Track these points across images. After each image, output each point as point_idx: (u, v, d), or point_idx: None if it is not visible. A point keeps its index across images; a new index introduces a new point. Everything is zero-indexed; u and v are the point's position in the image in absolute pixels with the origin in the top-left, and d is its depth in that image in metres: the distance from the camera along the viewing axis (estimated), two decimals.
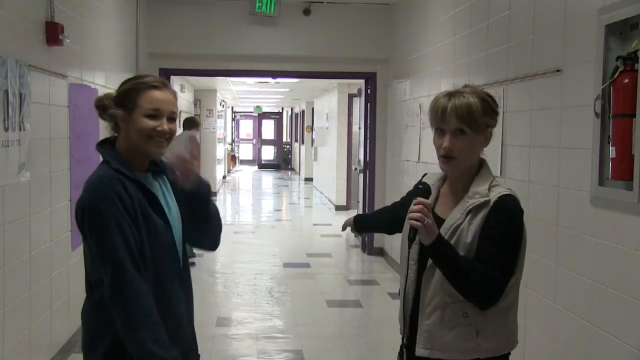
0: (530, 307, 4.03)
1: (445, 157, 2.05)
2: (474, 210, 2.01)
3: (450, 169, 2.08)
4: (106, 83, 5.72)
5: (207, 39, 8.15)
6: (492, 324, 2.04)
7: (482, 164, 2.12)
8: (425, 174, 2.28)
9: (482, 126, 2.05)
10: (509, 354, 2.13)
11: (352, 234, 9.89)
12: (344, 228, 2.80)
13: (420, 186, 2.05)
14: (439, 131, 2.07)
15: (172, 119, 2.12)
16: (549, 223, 3.77)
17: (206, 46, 8.17)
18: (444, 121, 2.03)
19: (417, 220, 1.92)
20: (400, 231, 2.31)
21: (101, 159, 2.13)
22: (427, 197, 2.00)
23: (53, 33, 4.28)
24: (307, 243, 9.94)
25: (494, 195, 2.01)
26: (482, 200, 2.01)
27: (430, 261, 2.05)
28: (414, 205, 1.95)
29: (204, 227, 2.22)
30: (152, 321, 1.96)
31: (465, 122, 2.01)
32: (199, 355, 2.27)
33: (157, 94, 2.08)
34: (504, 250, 1.99)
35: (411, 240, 2.01)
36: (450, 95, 2.05)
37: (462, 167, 2.07)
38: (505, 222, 2.00)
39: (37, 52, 4.14)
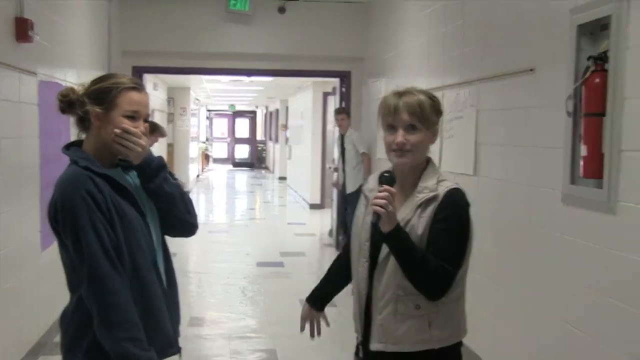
0: (502, 304, 4.06)
1: (400, 151, 2.10)
2: (424, 205, 2.07)
3: (404, 163, 2.12)
4: (78, 80, 5.64)
5: (181, 37, 8.08)
6: (444, 315, 2.09)
7: (428, 161, 2.18)
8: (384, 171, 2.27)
9: (431, 122, 2.12)
10: (461, 343, 2.18)
11: (326, 234, 9.79)
12: (302, 329, 2.55)
13: (385, 174, 2.08)
14: (390, 128, 2.12)
15: (146, 120, 2.14)
16: (522, 221, 3.79)
17: (180, 44, 8.10)
18: (396, 118, 2.10)
19: (381, 207, 1.95)
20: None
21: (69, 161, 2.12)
22: (392, 185, 2.03)
23: (22, 29, 4.20)
24: (280, 242, 9.91)
25: (442, 190, 2.08)
26: (431, 194, 2.07)
27: (381, 256, 2.09)
28: (380, 192, 1.99)
29: (168, 210, 2.17)
30: (127, 319, 1.96)
31: (417, 117, 2.08)
32: (180, 349, 2.26)
33: (136, 95, 2.10)
34: (454, 242, 2.05)
35: (374, 225, 2.01)
36: (400, 94, 2.13)
37: (416, 160, 2.13)
38: (454, 215, 2.06)
39: (5, 49, 4.06)
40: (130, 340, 1.95)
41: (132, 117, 2.08)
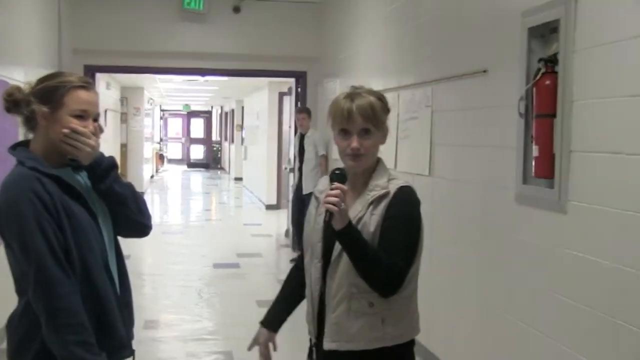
0: (458, 303, 4.11)
1: (355, 156, 2.11)
2: (375, 202, 2.09)
3: (359, 166, 2.14)
4: (26, 79, 5.47)
5: (135, 35, 7.96)
6: (397, 312, 2.10)
7: (378, 161, 2.20)
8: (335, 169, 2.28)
9: (382, 123, 2.14)
10: (414, 341, 2.19)
11: (283, 234, 9.68)
12: (250, 349, 2.44)
13: (337, 171, 2.09)
14: (344, 132, 2.12)
15: (95, 119, 2.09)
16: (477, 221, 3.85)
17: (133, 43, 7.98)
18: (350, 122, 2.10)
19: (334, 204, 1.95)
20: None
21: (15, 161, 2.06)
22: (343, 182, 2.04)
23: None
24: (237, 243, 9.84)
25: (393, 187, 2.10)
26: (383, 192, 2.09)
27: (334, 255, 2.09)
28: (331, 190, 1.99)
29: (120, 210, 2.13)
30: (76, 323, 1.92)
31: (370, 120, 2.10)
32: (133, 351, 2.23)
33: (84, 94, 2.05)
34: (406, 238, 2.07)
35: (327, 223, 2.01)
36: (351, 96, 2.12)
37: (370, 162, 2.14)
38: (405, 211, 2.09)
39: None
40: (79, 344, 1.92)
41: (81, 116, 2.03)
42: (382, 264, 2.00)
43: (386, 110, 2.16)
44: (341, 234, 2.00)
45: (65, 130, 2.00)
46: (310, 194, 2.36)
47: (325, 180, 2.28)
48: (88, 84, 2.08)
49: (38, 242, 1.91)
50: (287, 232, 9.75)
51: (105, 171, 2.06)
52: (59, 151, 2.04)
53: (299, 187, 8.10)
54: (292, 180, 8.90)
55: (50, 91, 2.03)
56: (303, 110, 8.19)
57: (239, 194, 17.94)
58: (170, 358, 4.93)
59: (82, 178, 2.13)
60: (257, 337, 2.39)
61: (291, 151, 9.12)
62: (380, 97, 2.15)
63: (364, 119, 2.08)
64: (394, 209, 2.06)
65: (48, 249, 1.92)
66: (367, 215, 2.08)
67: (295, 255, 8.34)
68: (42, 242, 1.91)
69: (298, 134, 8.32)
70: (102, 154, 2.07)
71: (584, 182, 2.83)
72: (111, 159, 2.10)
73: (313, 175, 7.78)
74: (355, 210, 2.10)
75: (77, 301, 1.95)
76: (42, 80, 2.09)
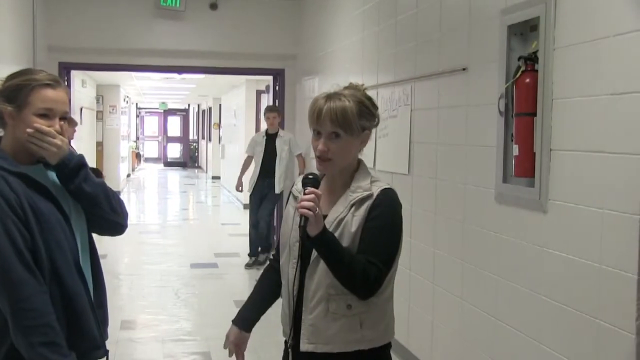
0: (438, 303, 4.10)
1: (321, 159, 2.09)
2: (358, 203, 2.07)
3: (326, 170, 2.13)
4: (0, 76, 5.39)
5: (111, 33, 7.85)
6: (375, 315, 2.09)
7: (360, 162, 2.18)
8: (308, 173, 2.25)
9: (357, 129, 2.09)
10: (390, 344, 2.18)
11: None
12: (226, 346, 2.33)
13: (310, 176, 2.07)
14: (316, 133, 2.10)
15: (64, 118, 2.06)
16: (456, 220, 3.84)
17: (109, 40, 7.87)
18: (319, 124, 2.08)
19: (309, 209, 1.93)
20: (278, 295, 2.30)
21: None
22: (317, 187, 2.02)
23: None
24: (214, 243, 9.79)
25: (376, 189, 2.09)
26: (365, 193, 2.08)
27: (313, 256, 2.07)
28: (305, 194, 1.97)
29: (93, 210, 2.10)
30: (43, 324, 1.90)
31: (340, 125, 2.05)
32: (107, 351, 2.21)
33: (51, 93, 2.01)
34: (387, 240, 2.07)
35: (303, 228, 1.98)
36: (327, 97, 2.09)
37: (338, 167, 2.12)
38: (388, 213, 2.08)
39: None
40: (47, 344, 1.89)
41: (46, 115, 2.00)
42: (359, 267, 1.99)
43: (368, 115, 2.11)
44: (316, 240, 1.98)
45: (30, 130, 1.97)
46: (282, 193, 2.33)
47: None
48: (55, 82, 2.04)
49: (2, 243, 1.88)
50: None
51: (73, 171, 2.03)
52: (28, 150, 2.01)
53: (262, 189, 7.82)
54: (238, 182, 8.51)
55: (15, 90, 2.00)
56: (275, 109, 8.12)
57: (217, 193, 17.86)
58: (147, 359, 4.87)
59: (55, 174, 2.09)
60: (228, 334, 2.34)
61: (256, 150, 8.24)
62: (361, 101, 2.09)
63: (332, 123, 2.05)
64: (376, 210, 2.05)
65: (13, 250, 1.89)
66: (348, 216, 2.06)
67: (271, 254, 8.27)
68: (6, 243, 1.89)
69: (263, 133, 8.19)
70: (70, 153, 2.03)
71: (565, 181, 2.83)
72: (80, 158, 2.06)
73: (287, 175, 7.72)
74: (337, 211, 2.09)
75: (44, 301, 1.92)
76: (9, 78, 2.06)
